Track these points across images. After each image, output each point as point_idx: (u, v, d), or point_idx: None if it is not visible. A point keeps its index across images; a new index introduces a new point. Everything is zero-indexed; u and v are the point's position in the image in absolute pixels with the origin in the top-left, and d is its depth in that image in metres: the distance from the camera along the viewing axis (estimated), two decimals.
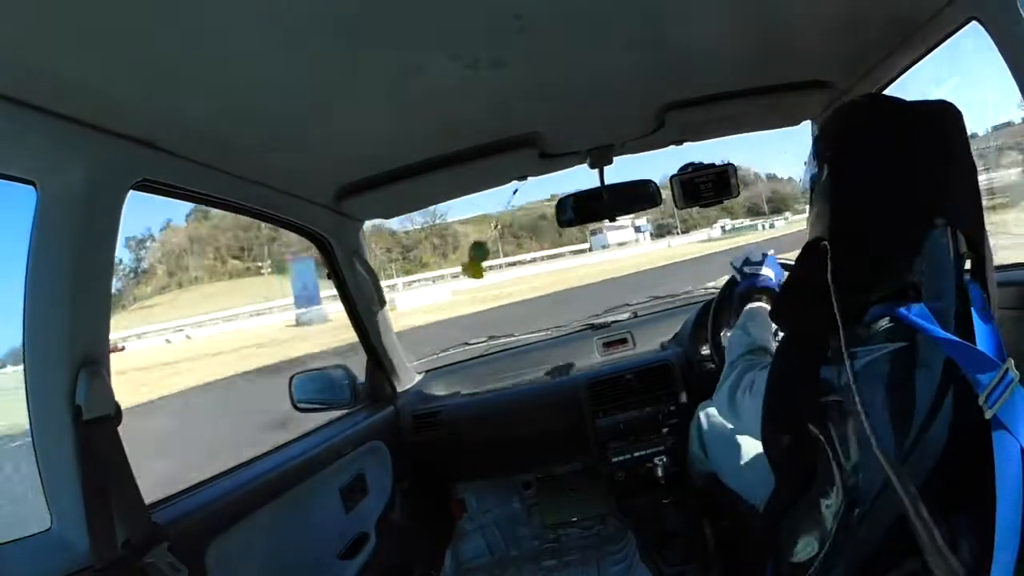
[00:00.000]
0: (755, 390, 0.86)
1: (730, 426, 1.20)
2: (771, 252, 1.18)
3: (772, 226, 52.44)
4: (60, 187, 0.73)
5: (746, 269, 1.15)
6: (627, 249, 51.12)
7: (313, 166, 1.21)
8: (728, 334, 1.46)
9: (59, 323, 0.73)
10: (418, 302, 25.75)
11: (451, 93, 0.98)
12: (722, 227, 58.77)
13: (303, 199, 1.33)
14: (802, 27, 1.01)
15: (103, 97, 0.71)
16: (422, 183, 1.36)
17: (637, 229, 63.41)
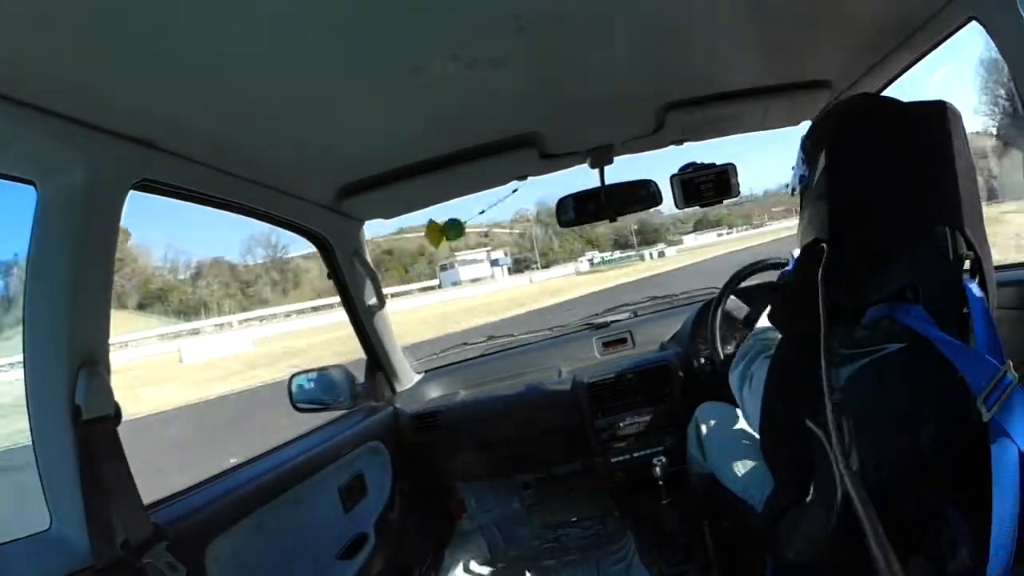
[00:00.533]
0: (754, 386, 0.86)
1: (728, 430, 1.20)
2: None
3: (662, 255, 49.39)
4: (60, 187, 0.73)
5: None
6: (482, 286, 45.11)
7: (313, 166, 1.21)
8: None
9: (59, 323, 0.73)
10: (211, 353, 20.55)
11: (451, 93, 0.99)
12: (590, 260, 55.59)
13: (303, 199, 1.33)
14: (802, 27, 1.01)
15: (103, 97, 0.71)
16: (422, 183, 1.36)
17: (493, 263, 59.23)
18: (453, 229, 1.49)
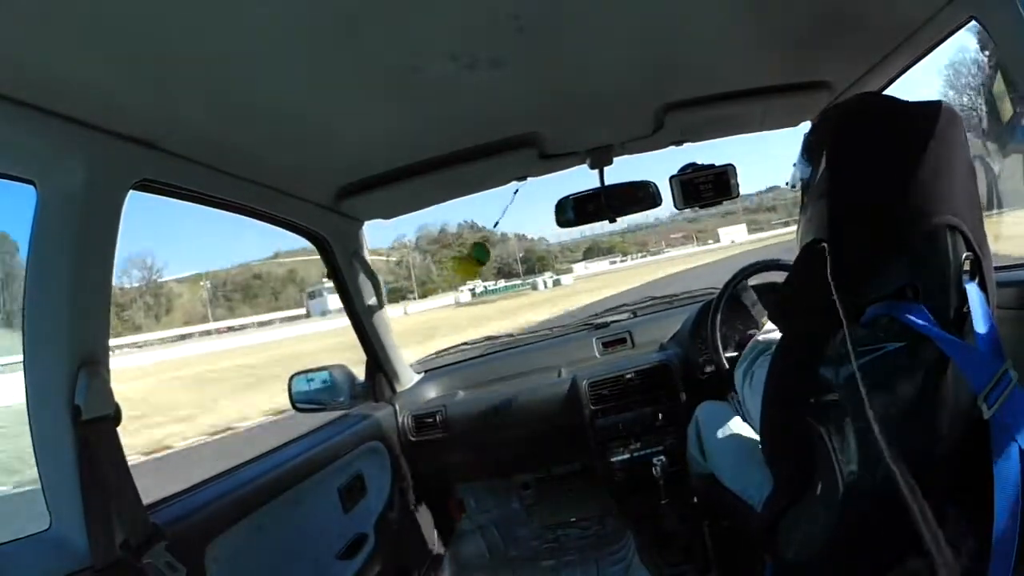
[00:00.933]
0: (754, 384, 0.87)
1: (728, 430, 1.20)
2: None
3: (557, 283, 46.43)
4: (60, 187, 0.73)
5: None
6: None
7: (313, 166, 1.21)
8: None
9: (59, 323, 0.73)
10: None
11: (450, 93, 0.99)
12: (471, 290, 52.65)
13: (303, 199, 1.33)
14: (802, 27, 1.01)
15: (103, 97, 0.71)
16: (422, 183, 1.36)
17: None
18: (479, 251, 1.49)
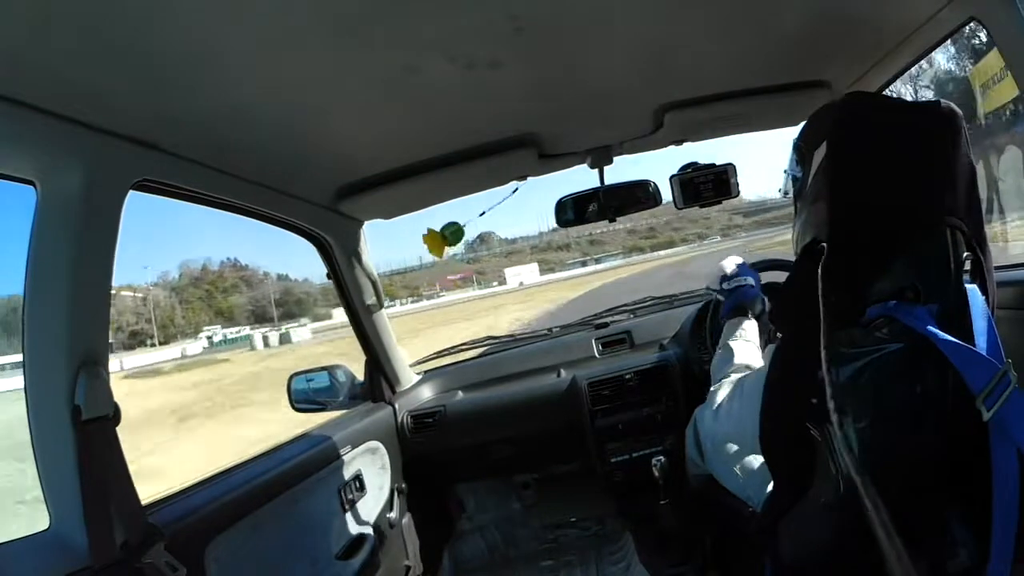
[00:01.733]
0: (746, 393, 0.87)
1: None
2: (742, 260, 1.22)
3: (286, 339, 37.47)
4: (60, 187, 0.73)
5: (725, 286, 1.17)
6: None
7: (313, 166, 1.21)
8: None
9: (59, 323, 0.73)
10: None
11: (449, 93, 0.99)
12: (209, 338, 44.83)
13: (303, 199, 1.33)
14: (802, 27, 1.01)
15: (103, 97, 0.71)
16: (421, 183, 1.36)
17: None
18: (454, 233, 1.42)
